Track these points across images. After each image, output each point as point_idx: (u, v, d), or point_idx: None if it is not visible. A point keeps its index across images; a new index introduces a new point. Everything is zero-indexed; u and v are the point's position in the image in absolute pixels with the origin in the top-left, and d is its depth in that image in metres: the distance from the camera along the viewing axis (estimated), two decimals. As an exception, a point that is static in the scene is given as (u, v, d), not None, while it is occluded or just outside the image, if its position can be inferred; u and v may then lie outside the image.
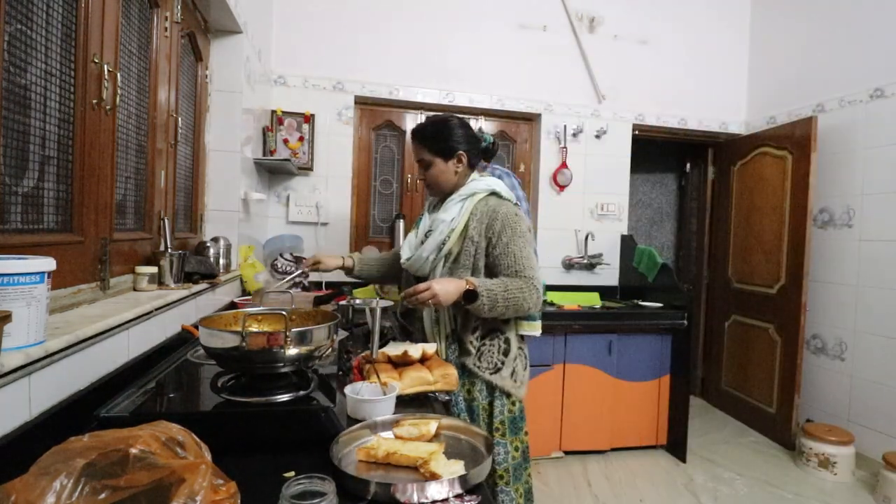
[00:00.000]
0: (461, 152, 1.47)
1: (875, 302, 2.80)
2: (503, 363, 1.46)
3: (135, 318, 1.11)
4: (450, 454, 0.86)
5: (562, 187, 3.35)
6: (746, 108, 3.70)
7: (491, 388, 1.45)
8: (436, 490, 0.69)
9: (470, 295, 1.31)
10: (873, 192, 2.83)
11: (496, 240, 1.39)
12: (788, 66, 3.39)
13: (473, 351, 1.42)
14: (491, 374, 1.44)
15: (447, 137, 1.46)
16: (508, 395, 1.46)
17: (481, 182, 1.48)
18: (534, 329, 1.54)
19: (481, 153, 1.55)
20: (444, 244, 1.42)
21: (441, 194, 1.53)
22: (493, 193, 1.48)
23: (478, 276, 1.38)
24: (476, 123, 3.38)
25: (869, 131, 2.86)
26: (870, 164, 2.86)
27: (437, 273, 1.44)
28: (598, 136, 3.40)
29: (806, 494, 2.51)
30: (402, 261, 1.54)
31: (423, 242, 1.49)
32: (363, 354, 1.24)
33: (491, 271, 1.42)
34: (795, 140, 3.11)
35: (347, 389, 1.00)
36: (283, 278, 2.67)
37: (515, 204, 1.49)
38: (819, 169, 3.01)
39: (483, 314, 1.34)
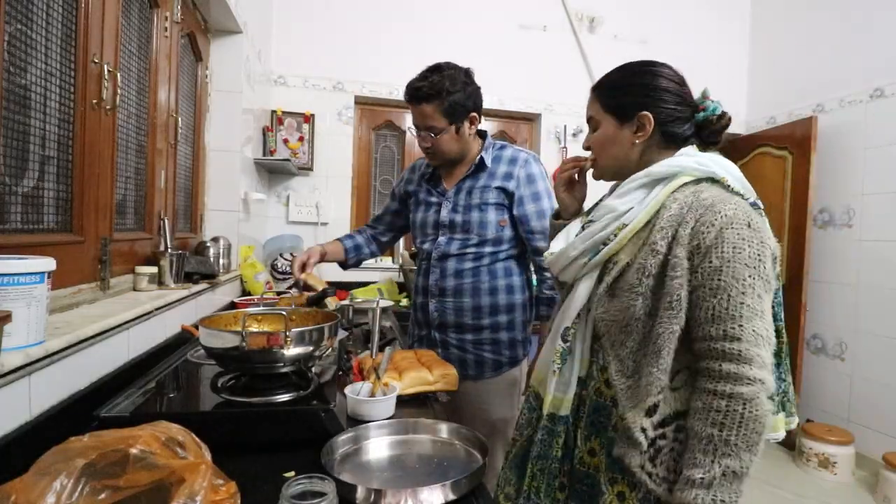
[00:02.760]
0: (645, 114, 0.91)
1: (875, 302, 2.80)
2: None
3: (135, 318, 1.11)
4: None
5: (562, 187, 3.35)
6: (746, 108, 3.70)
7: None
8: (428, 496, 0.68)
9: None
10: (873, 192, 2.83)
11: (701, 259, 0.78)
12: (788, 66, 3.39)
13: (644, 443, 0.79)
14: (666, 488, 0.80)
15: (629, 90, 0.94)
16: None
17: (689, 159, 0.88)
18: (775, 429, 0.91)
19: (693, 126, 0.93)
20: (604, 245, 0.88)
21: (608, 176, 0.99)
22: (712, 179, 0.86)
23: (669, 317, 0.78)
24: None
25: (869, 131, 2.86)
26: (870, 164, 2.86)
27: (582, 288, 0.91)
28: (598, 136, 3.40)
29: (806, 494, 2.51)
30: (545, 255, 1.01)
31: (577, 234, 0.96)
32: (363, 356, 1.24)
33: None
34: (795, 140, 3.11)
35: (347, 389, 1.00)
36: (284, 278, 2.67)
37: (753, 204, 0.84)
38: (819, 169, 3.01)
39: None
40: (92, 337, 0.92)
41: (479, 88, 1.49)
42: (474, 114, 1.47)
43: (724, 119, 0.92)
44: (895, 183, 2.72)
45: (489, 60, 3.22)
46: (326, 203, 3.05)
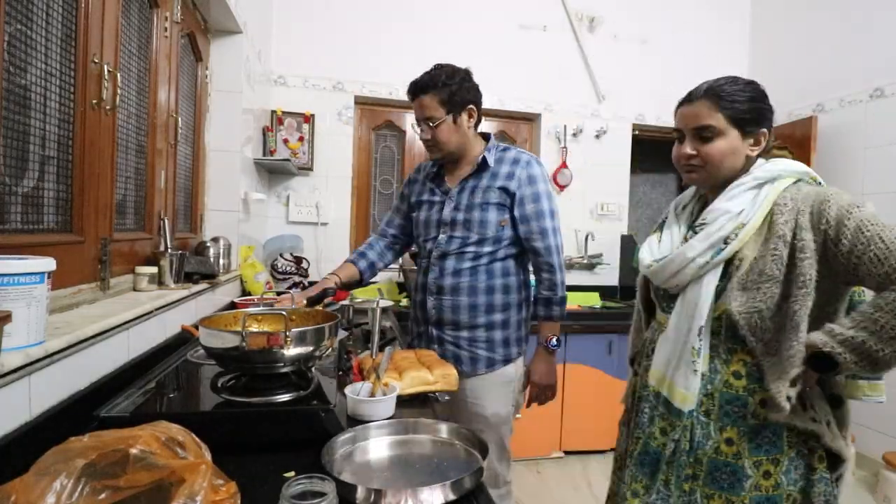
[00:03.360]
0: (763, 131, 1.02)
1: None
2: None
3: (135, 318, 1.11)
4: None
5: (562, 187, 3.35)
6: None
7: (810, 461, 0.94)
8: (428, 496, 0.68)
9: (819, 362, 0.87)
10: (873, 192, 2.83)
11: (835, 231, 0.87)
12: (788, 66, 3.39)
13: (787, 408, 0.89)
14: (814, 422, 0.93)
15: (757, 109, 1.02)
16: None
17: (781, 162, 1.01)
18: (876, 392, 1.02)
19: (770, 141, 1.05)
20: (726, 242, 0.96)
21: (712, 183, 1.05)
22: (803, 179, 1.00)
23: (803, 295, 0.88)
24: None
25: (869, 131, 2.86)
26: (870, 164, 2.86)
27: (704, 286, 0.97)
28: (597, 136, 3.40)
29: (806, 494, 2.51)
30: (642, 267, 1.10)
31: (686, 240, 1.04)
32: (363, 356, 1.24)
33: (833, 291, 0.93)
34: (795, 140, 3.11)
35: (347, 389, 1.00)
36: (284, 278, 2.67)
37: None
38: (819, 169, 2.99)
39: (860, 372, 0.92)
40: (92, 337, 0.92)
41: (477, 87, 1.53)
42: (472, 106, 1.50)
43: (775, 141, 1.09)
44: (895, 183, 2.72)
45: (489, 60, 3.22)
46: (326, 203, 3.05)
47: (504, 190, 1.48)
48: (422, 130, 1.50)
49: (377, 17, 3.09)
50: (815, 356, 0.87)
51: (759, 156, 1.04)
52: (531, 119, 3.43)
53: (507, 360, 1.52)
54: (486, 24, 3.22)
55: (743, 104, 1.00)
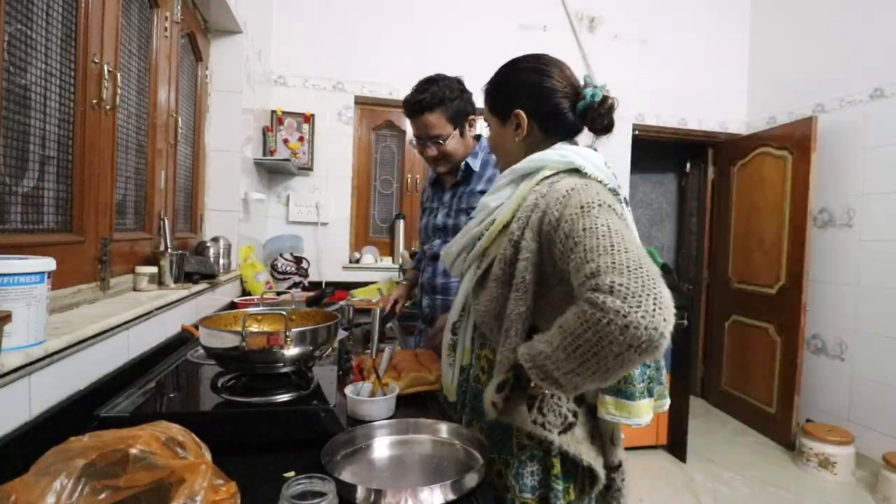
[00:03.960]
0: (517, 111, 0.94)
1: (875, 302, 2.80)
2: (573, 420, 0.88)
3: (135, 318, 1.11)
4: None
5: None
6: (746, 108, 3.70)
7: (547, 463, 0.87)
8: (428, 496, 0.68)
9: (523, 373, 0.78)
10: (873, 192, 2.83)
11: (554, 232, 0.78)
12: (788, 66, 3.39)
13: (493, 414, 0.83)
14: (560, 432, 0.85)
15: (501, 89, 0.98)
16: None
17: (553, 152, 0.90)
18: (623, 412, 0.89)
19: (577, 115, 0.93)
20: (478, 239, 0.93)
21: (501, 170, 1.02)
22: (573, 170, 0.88)
23: (515, 299, 0.82)
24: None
25: (869, 131, 2.86)
26: (870, 164, 2.86)
27: (465, 283, 0.96)
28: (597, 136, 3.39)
29: (806, 494, 2.51)
30: (441, 252, 1.09)
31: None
32: (362, 356, 1.24)
33: (568, 293, 0.78)
34: (795, 140, 3.11)
35: (347, 389, 1.00)
36: (283, 278, 2.67)
37: (612, 190, 0.86)
38: (819, 169, 3.01)
39: (549, 390, 0.78)
40: (92, 337, 0.92)
41: (471, 94, 1.52)
42: (472, 116, 1.51)
43: (605, 104, 0.91)
44: (895, 183, 2.73)
45: (489, 60, 3.19)
46: (326, 203, 3.05)
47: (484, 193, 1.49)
48: (426, 148, 1.48)
49: (377, 17, 3.09)
50: (521, 366, 0.76)
51: (547, 141, 0.94)
52: (531, 119, 3.43)
53: None
54: (486, 24, 3.22)
55: (491, 91, 1.01)
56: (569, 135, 0.96)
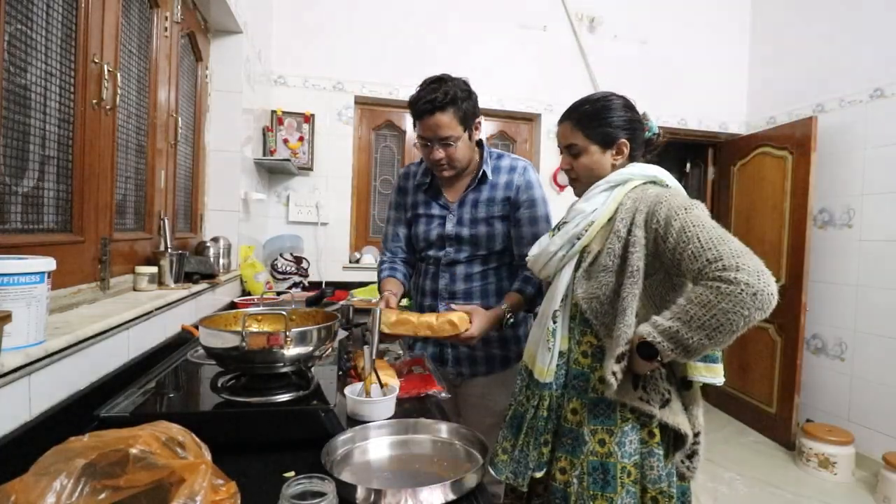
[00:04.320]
0: (623, 141, 1.15)
1: (875, 302, 2.80)
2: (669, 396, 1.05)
3: (135, 318, 1.11)
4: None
5: (562, 187, 3.35)
6: (746, 108, 3.70)
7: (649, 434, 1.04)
8: (428, 496, 0.68)
9: (645, 349, 0.95)
10: (873, 192, 2.83)
11: (664, 229, 0.98)
12: (788, 66, 3.39)
13: (614, 383, 0.98)
14: (660, 406, 1.03)
15: (607, 120, 1.16)
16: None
17: (635, 167, 1.14)
18: (711, 373, 1.08)
19: (643, 145, 1.21)
20: (578, 238, 1.10)
21: (585, 191, 1.19)
22: (654, 182, 1.12)
23: (631, 283, 0.99)
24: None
25: (869, 131, 2.86)
26: (870, 164, 2.86)
27: (564, 277, 1.12)
28: (598, 136, 3.40)
29: (806, 494, 2.51)
30: (527, 258, 1.23)
31: (553, 236, 1.17)
32: (355, 356, 1.25)
33: (668, 282, 1.05)
34: (795, 140, 3.11)
35: (347, 390, 1.00)
36: (283, 278, 2.67)
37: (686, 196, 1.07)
38: (819, 169, 3.01)
39: (677, 359, 0.95)
40: (92, 337, 0.92)
41: (477, 97, 1.46)
42: (478, 120, 1.47)
43: (659, 136, 1.23)
44: (895, 183, 2.73)
45: (489, 60, 3.22)
46: (326, 203, 3.05)
47: (507, 200, 1.46)
48: (433, 149, 1.39)
49: (377, 17, 3.09)
50: (642, 344, 0.95)
51: (630, 160, 1.17)
52: (531, 119, 3.43)
53: (521, 356, 1.49)
54: (486, 24, 3.23)
55: (594, 121, 1.16)
56: (635, 159, 1.20)
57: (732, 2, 3.66)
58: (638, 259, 1.00)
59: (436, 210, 1.53)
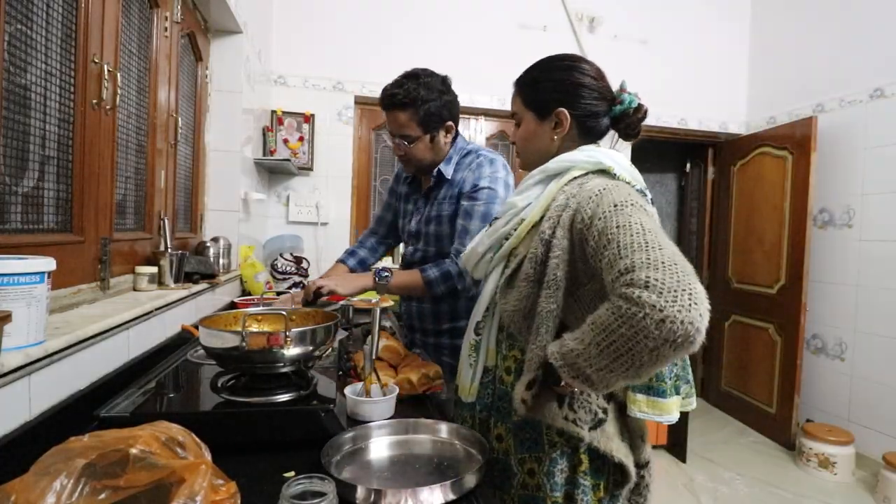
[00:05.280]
0: (560, 110, 0.95)
1: (875, 302, 2.80)
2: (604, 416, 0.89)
3: (135, 318, 1.11)
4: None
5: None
6: (746, 108, 3.70)
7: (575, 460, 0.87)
8: (428, 496, 0.68)
9: (552, 372, 0.77)
10: (873, 192, 2.83)
11: (588, 231, 0.78)
12: (788, 66, 3.39)
13: (523, 411, 0.83)
14: (590, 428, 0.86)
15: (542, 84, 0.98)
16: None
17: (581, 151, 0.93)
18: (656, 410, 0.89)
19: (609, 119, 0.98)
20: (507, 238, 0.93)
21: (533, 168, 1.00)
22: (602, 171, 0.90)
23: (546, 296, 0.82)
24: (476, 123, 3.38)
25: (869, 131, 2.86)
26: (870, 164, 2.86)
27: (490, 283, 0.96)
28: (598, 136, 3.40)
29: (806, 494, 2.51)
30: (462, 253, 1.09)
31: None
32: (355, 356, 1.25)
33: (598, 290, 0.82)
34: (795, 140, 3.11)
35: (347, 390, 1.00)
36: (283, 278, 2.67)
37: (640, 191, 0.88)
38: (819, 169, 3.01)
39: (576, 387, 0.77)
40: (92, 337, 0.92)
41: (455, 96, 1.43)
42: (450, 122, 1.41)
43: (640, 111, 0.97)
44: (895, 183, 2.73)
45: (489, 60, 3.22)
46: (326, 203, 3.05)
47: (455, 196, 1.40)
48: (395, 145, 1.42)
49: (377, 17, 3.09)
50: (547, 365, 0.76)
51: (580, 142, 0.96)
52: (531, 119, 3.43)
53: None
54: (486, 24, 3.23)
55: (532, 86, 0.99)
56: (597, 138, 0.99)
57: (732, 2, 3.66)
58: (555, 266, 0.82)
59: (410, 205, 1.56)
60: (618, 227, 0.73)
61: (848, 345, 2.94)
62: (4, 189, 0.90)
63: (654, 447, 2.95)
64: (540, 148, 0.99)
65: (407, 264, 1.53)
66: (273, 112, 2.91)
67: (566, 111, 0.95)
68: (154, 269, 1.40)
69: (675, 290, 0.62)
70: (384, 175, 3.30)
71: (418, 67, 1.41)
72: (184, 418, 0.66)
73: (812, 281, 3.08)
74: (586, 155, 0.91)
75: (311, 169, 2.99)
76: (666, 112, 3.51)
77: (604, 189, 0.81)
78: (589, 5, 3.37)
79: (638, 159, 3.69)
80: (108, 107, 1.18)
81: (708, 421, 3.49)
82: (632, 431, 0.93)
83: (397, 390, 1.04)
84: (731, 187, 3.69)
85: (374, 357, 1.08)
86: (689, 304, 0.62)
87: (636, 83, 3.66)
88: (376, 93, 3.04)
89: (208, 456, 0.59)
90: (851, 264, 2.93)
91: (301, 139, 2.96)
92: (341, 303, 1.91)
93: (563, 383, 0.76)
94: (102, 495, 0.50)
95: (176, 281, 1.47)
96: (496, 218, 1.01)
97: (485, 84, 3.23)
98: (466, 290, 1.39)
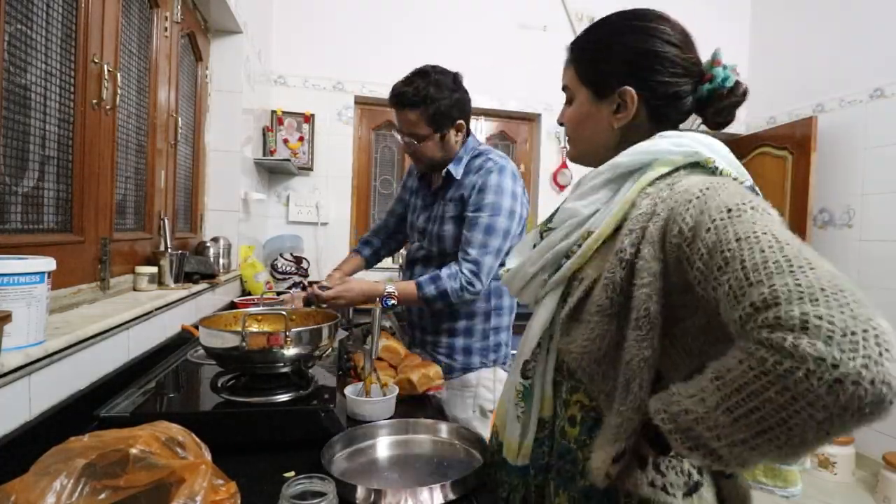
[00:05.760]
0: (626, 90, 0.73)
1: (875, 302, 2.78)
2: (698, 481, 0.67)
3: (135, 318, 1.11)
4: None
5: (562, 187, 3.35)
6: (746, 108, 3.67)
7: None
8: (428, 496, 0.68)
9: (656, 434, 0.57)
10: (873, 192, 2.83)
11: (691, 247, 0.56)
12: (788, 66, 3.39)
13: (604, 484, 0.63)
14: (684, 494, 0.65)
15: (605, 53, 0.75)
16: None
17: (664, 140, 0.70)
18: (778, 480, 0.71)
19: (694, 101, 0.77)
20: (566, 258, 0.72)
21: (582, 162, 0.82)
22: (696, 164, 0.68)
23: (637, 338, 0.60)
24: (476, 123, 3.38)
25: (869, 131, 2.86)
26: (870, 164, 2.86)
27: (542, 313, 0.73)
28: (598, 136, 3.40)
29: (806, 494, 2.51)
30: (501, 273, 0.85)
31: (535, 246, 0.79)
32: (355, 356, 1.25)
33: (703, 326, 0.62)
34: (795, 140, 3.11)
35: (347, 390, 1.00)
36: (284, 278, 2.67)
37: (752, 189, 0.68)
38: (819, 169, 3.01)
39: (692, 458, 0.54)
40: (92, 337, 0.92)
41: (466, 94, 1.42)
42: (460, 121, 1.40)
43: (737, 92, 0.76)
44: (895, 183, 2.72)
45: (489, 60, 3.22)
46: (326, 203, 3.05)
47: (461, 200, 1.39)
48: (405, 143, 1.42)
49: (377, 17, 3.09)
50: (651, 426, 0.56)
51: (652, 129, 0.74)
52: (531, 119, 3.43)
53: (467, 369, 1.46)
54: (486, 24, 3.22)
55: (591, 53, 0.77)
56: (675, 126, 0.75)
57: (732, 2, 3.66)
58: (646, 299, 0.59)
59: (419, 201, 1.56)
60: (738, 240, 0.52)
61: (848, 345, 2.93)
62: (4, 189, 0.90)
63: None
64: (595, 136, 0.77)
65: (410, 260, 1.54)
66: (273, 112, 2.91)
67: (633, 92, 0.72)
68: (154, 269, 1.40)
69: (854, 332, 0.43)
70: (384, 175, 3.30)
71: (429, 65, 1.40)
72: (184, 418, 0.66)
73: (812, 281, 3.07)
74: (673, 143, 0.68)
75: (311, 169, 2.99)
76: (666, 112, 3.52)
77: (707, 189, 0.59)
78: (589, 5, 3.37)
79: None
80: (108, 107, 1.18)
81: (708, 421, 3.49)
82: (732, 497, 0.70)
83: (397, 390, 1.04)
84: (731, 187, 3.69)
85: (374, 357, 1.08)
86: (880, 353, 0.42)
87: (636, 83, 3.58)
88: (376, 93, 3.08)
89: (208, 456, 0.59)
90: (851, 264, 2.93)
91: (301, 139, 2.96)
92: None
93: (671, 454, 0.59)
94: (102, 495, 0.50)
95: (176, 281, 1.47)
96: (550, 228, 0.77)
97: (485, 84, 3.23)
98: (466, 302, 1.39)
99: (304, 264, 2.82)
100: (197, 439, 0.60)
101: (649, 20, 0.74)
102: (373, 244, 1.73)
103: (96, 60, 1.13)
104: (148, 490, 0.52)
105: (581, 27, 3.34)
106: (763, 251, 0.49)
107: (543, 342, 0.74)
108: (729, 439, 0.47)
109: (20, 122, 0.93)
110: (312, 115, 2.97)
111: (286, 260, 2.74)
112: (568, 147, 0.84)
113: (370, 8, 3.08)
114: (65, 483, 0.50)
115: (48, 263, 0.77)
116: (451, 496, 0.69)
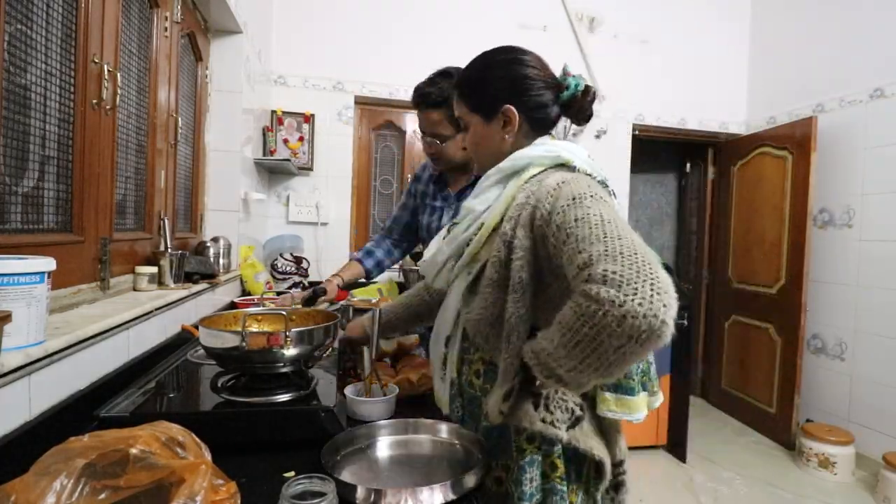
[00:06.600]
0: (507, 108, 0.90)
1: (875, 302, 2.80)
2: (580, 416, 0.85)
3: (135, 318, 1.11)
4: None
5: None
6: (746, 108, 3.70)
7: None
8: (428, 496, 0.68)
9: (528, 371, 0.74)
10: (873, 192, 2.83)
11: (548, 227, 0.74)
12: (788, 66, 3.39)
13: (500, 419, 0.79)
14: (568, 427, 0.82)
15: (484, 83, 0.93)
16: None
17: (538, 148, 0.88)
18: (624, 408, 0.87)
19: (559, 107, 0.92)
20: (468, 245, 0.88)
21: (485, 173, 0.94)
22: (562, 165, 0.86)
23: (514, 300, 0.78)
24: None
25: (869, 131, 2.86)
26: (870, 164, 2.86)
27: (454, 293, 0.91)
28: (598, 136, 3.40)
29: (806, 494, 2.51)
30: (419, 264, 1.03)
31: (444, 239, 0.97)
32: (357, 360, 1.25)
33: (565, 289, 0.76)
34: (795, 140, 3.11)
35: (347, 390, 1.00)
36: (283, 278, 2.67)
37: (601, 182, 0.84)
38: (819, 169, 3.01)
39: (551, 387, 0.78)
40: (92, 337, 0.92)
41: None
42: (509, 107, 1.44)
43: (588, 93, 0.91)
44: (895, 183, 2.73)
45: (489, 60, 3.22)
46: (326, 203, 3.05)
47: None
48: (427, 143, 1.44)
49: (377, 17, 3.09)
50: (525, 365, 0.73)
51: (532, 135, 0.91)
52: (531, 119, 3.43)
53: None
54: (486, 24, 3.22)
55: (473, 87, 0.94)
56: (550, 128, 0.94)
57: (732, 2, 3.66)
58: (519, 268, 0.77)
59: (438, 202, 1.55)
60: (576, 220, 0.69)
61: (848, 345, 2.94)
62: (4, 189, 0.90)
63: (654, 447, 2.95)
64: (493, 150, 0.93)
65: None
66: (273, 112, 2.91)
67: (513, 108, 0.89)
68: (154, 269, 1.40)
69: (635, 282, 0.59)
70: (384, 175, 3.30)
71: (451, 66, 1.42)
72: (184, 418, 0.66)
73: (812, 281, 3.08)
74: (544, 150, 0.86)
75: (311, 169, 2.99)
76: (666, 112, 3.52)
77: (562, 182, 0.77)
78: (589, 5, 3.37)
79: (638, 159, 3.70)
80: (108, 107, 1.18)
81: (708, 421, 3.49)
82: (606, 428, 0.88)
83: (397, 390, 1.04)
84: (731, 187, 3.69)
85: (373, 357, 1.08)
86: (652, 295, 0.58)
87: (636, 83, 3.68)
88: (376, 93, 3.09)
89: (208, 456, 0.59)
90: (851, 264, 2.93)
91: (301, 139, 2.96)
92: (341, 303, 1.91)
93: (538, 382, 0.74)
94: (102, 495, 0.50)
95: (176, 281, 1.47)
96: (454, 223, 0.95)
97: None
98: None
99: (304, 264, 2.82)
100: (197, 439, 0.60)
101: (513, 53, 0.93)
102: (375, 255, 1.69)
103: (96, 60, 1.13)
104: (148, 490, 0.52)
105: (581, 27, 3.36)
106: (590, 228, 0.67)
107: (457, 318, 0.91)
108: (566, 367, 0.65)
109: (20, 122, 0.93)
110: (312, 115, 2.97)
111: (286, 260, 2.74)
112: (475, 165, 1.02)
113: (370, 8, 3.08)
114: (65, 483, 0.50)
115: (48, 263, 0.77)
116: (451, 496, 0.69)
